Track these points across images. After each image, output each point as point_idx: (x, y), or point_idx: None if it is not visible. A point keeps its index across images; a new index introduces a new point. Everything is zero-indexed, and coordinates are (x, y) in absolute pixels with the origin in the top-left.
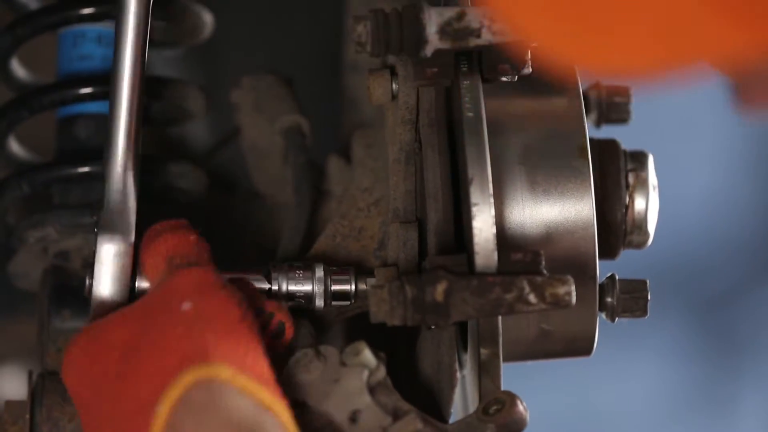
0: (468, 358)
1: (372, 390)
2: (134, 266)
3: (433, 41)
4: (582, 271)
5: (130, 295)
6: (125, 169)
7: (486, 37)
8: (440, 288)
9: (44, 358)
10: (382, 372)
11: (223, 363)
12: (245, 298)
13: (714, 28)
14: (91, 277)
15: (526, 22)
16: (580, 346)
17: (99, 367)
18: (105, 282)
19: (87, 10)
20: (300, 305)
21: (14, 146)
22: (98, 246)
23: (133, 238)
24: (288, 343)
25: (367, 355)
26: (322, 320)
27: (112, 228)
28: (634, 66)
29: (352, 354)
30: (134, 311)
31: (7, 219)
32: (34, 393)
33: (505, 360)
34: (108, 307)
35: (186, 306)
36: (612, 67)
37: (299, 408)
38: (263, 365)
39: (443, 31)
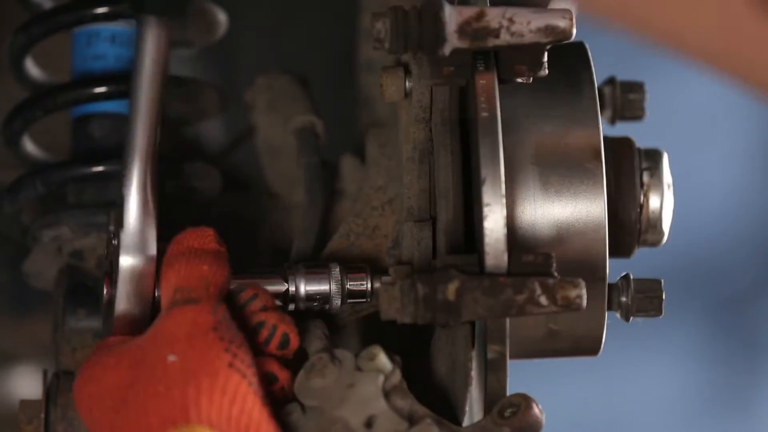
0: (474, 356)
1: (387, 394)
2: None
3: (452, 40)
4: (592, 272)
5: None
6: (144, 187)
7: (504, 38)
8: (452, 287)
9: (59, 357)
10: (397, 376)
11: (202, 424)
12: (238, 336)
13: None
14: (109, 288)
15: None
16: (587, 347)
17: (96, 412)
18: (126, 299)
19: (101, 10)
20: (316, 306)
21: (29, 146)
22: (120, 267)
23: (154, 255)
24: (295, 353)
25: (383, 359)
26: (335, 320)
27: (133, 249)
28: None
29: (367, 358)
30: (128, 353)
31: (21, 218)
32: (49, 392)
33: (511, 358)
34: (128, 321)
35: (171, 358)
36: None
37: (314, 413)
38: (252, 411)
39: (462, 30)
